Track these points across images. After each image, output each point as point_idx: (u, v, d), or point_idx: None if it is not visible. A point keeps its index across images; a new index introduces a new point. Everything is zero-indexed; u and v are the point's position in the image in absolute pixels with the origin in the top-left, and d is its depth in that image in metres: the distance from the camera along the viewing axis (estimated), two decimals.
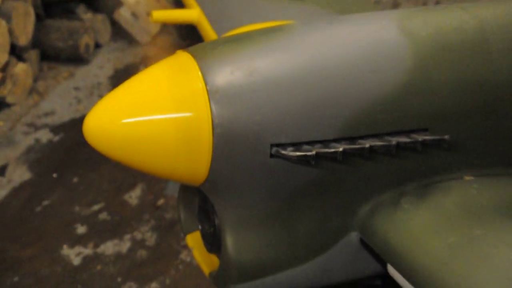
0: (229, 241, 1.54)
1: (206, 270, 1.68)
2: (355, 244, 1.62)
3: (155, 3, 3.13)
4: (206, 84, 1.39)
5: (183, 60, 1.46)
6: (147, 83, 1.45)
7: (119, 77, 2.90)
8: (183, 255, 2.26)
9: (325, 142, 1.48)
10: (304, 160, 1.48)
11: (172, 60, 1.48)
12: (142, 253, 2.23)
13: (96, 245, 2.26)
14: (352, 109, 1.49)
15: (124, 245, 2.27)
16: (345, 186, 1.58)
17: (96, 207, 2.40)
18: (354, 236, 1.61)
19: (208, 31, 2.17)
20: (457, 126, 1.60)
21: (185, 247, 2.26)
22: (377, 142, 1.52)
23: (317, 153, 1.46)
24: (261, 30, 1.60)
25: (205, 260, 1.71)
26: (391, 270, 1.51)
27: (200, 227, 1.72)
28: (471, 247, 1.46)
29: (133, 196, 2.44)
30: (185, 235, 1.77)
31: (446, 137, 1.58)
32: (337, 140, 1.48)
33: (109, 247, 2.26)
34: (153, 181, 2.50)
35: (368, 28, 1.62)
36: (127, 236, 2.30)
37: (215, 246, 1.64)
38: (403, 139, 1.52)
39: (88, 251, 2.24)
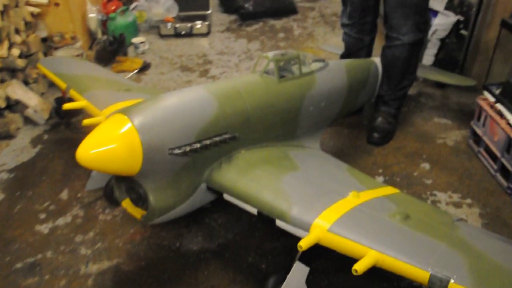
0: (151, 197, 1.53)
1: (138, 216, 1.63)
2: (204, 189, 1.66)
3: (44, 105, 2.88)
4: (135, 127, 1.43)
5: (120, 117, 1.46)
6: (104, 130, 1.43)
7: (34, 141, 2.68)
8: (101, 217, 2.13)
9: (190, 144, 1.53)
10: (183, 153, 1.51)
11: (114, 117, 1.47)
12: (78, 221, 2.12)
13: (53, 222, 2.12)
14: (197, 129, 1.56)
15: (68, 219, 2.13)
16: (199, 162, 1.61)
17: (46, 204, 2.23)
18: (203, 185, 1.65)
19: (94, 109, 2.09)
20: (238, 129, 1.68)
21: (101, 213, 2.14)
22: (210, 141, 1.58)
23: (189, 149, 1.53)
24: (148, 100, 1.58)
25: (136, 211, 1.65)
26: (225, 196, 1.61)
27: (128, 196, 1.65)
28: (252, 177, 1.58)
29: (64, 195, 2.28)
30: (120, 202, 1.68)
31: (237, 134, 1.67)
32: (195, 142, 1.55)
33: (60, 221, 2.12)
34: (72, 186, 2.33)
35: (193, 92, 1.68)
36: (68, 214, 2.16)
37: (140, 203, 1.61)
38: (219, 138, 1.62)
39: (50, 225, 2.10)
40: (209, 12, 4.33)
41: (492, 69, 2.67)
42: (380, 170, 2.38)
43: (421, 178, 2.32)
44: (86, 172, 2.41)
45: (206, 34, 4.18)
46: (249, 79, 1.86)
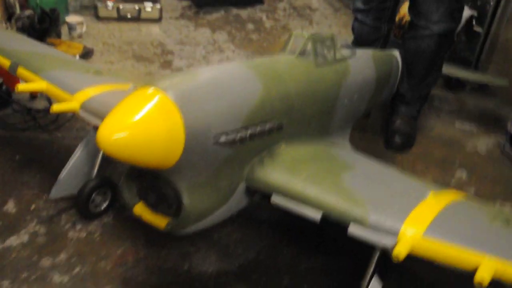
0: (186, 200, 1.45)
1: (161, 224, 1.52)
2: (243, 190, 1.61)
3: None
4: (174, 103, 1.30)
5: (151, 90, 1.32)
6: (132, 105, 1.29)
7: None
8: (71, 234, 1.92)
9: (237, 130, 1.47)
10: (231, 142, 1.46)
11: (143, 90, 1.32)
12: (40, 239, 1.89)
13: (3, 242, 1.86)
14: (245, 112, 1.50)
15: (24, 237, 1.89)
16: (241, 155, 1.55)
17: None
18: (242, 185, 1.59)
19: (61, 93, 1.92)
20: (283, 118, 1.65)
21: (71, 229, 1.93)
22: (258, 129, 1.54)
23: (239, 137, 1.47)
24: (182, 73, 1.53)
25: (155, 219, 1.54)
26: (274, 198, 1.54)
27: (142, 200, 1.56)
28: (307, 176, 1.54)
29: (10, 207, 2.03)
30: (131, 208, 1.56)
31: (283, 123, 1.65)
32: (242, 128, 1.49)
33: (13, 241, 1.87)
34: (19, 196, 2.09)
35: (233, 68, 1.64)
36: (22, 232, 1.91)
37: (163, 207, 1.52)
38: (267, 126, 1.58)
39: None
40: None
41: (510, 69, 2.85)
42: None
43: (461, 187, 2.38)
44: (36, 177, 2.20)
45: (157, 20, 4.06)
46: (285, 59, 1.84)
